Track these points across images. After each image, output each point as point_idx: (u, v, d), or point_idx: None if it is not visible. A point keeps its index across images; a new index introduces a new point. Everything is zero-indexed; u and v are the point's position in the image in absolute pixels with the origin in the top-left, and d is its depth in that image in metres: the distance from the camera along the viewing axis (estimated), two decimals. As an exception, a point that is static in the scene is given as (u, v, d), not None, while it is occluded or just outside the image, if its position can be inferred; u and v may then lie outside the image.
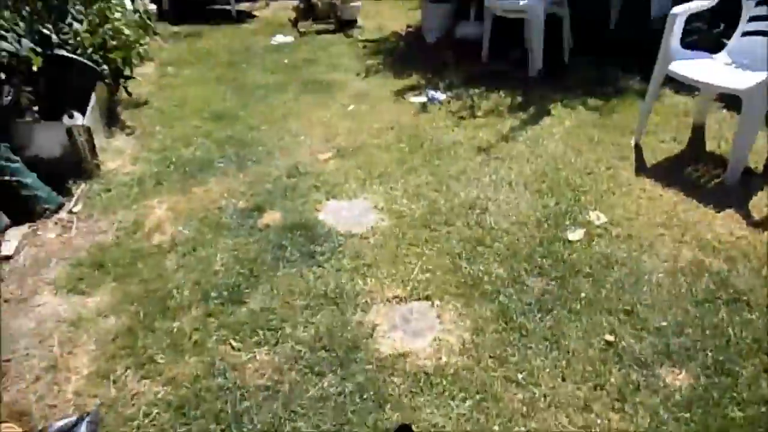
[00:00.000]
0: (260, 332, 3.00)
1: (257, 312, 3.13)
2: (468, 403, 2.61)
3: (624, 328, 3.07)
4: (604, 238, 3.90)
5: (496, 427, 2.51)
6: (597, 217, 4.15)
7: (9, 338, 2.95)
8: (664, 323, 3.09)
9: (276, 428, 2.47)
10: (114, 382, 2.68)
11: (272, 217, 4.09)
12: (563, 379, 2.77)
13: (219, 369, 2.76)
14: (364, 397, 2.62)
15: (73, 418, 2.23)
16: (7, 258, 3.45)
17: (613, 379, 2.77)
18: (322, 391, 2.67)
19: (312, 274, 3.47)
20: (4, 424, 2.33)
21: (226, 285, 3.31)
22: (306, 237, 3.82)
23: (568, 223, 4.06)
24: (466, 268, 3.57)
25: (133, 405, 2.56)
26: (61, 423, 2.21)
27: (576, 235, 3.94)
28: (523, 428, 2.52)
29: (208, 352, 2.86)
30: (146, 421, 2.49)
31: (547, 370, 2.82)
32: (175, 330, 2.98)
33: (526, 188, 4.55)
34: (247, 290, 3.32)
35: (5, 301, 3.16)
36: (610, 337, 3.00)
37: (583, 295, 3.32)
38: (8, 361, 2.81)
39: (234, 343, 2.93)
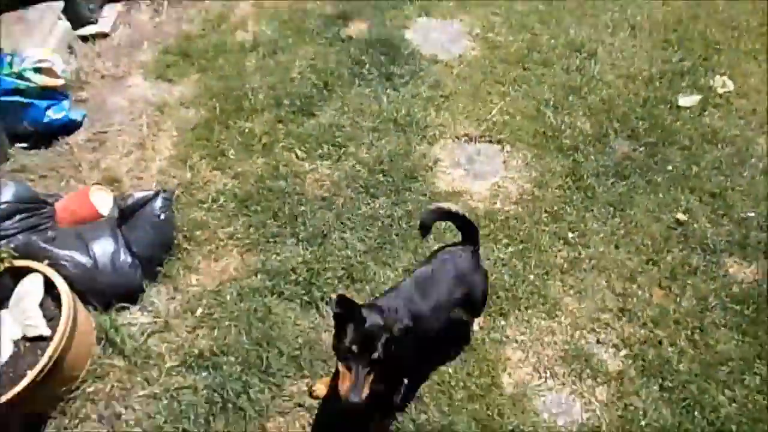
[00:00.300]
0: (325, 146, 3.07)
1: (325, 126, 3.17)
2: (510, 249, 2.63)
3: (703, 210, 2.82)
4: (721, 109, 3.40)
5: (531, 276, 2.54)
6: (722, 84, 3.57)
7: (106, 113, 3.23)
8: (752, 214, 2.80)
9: (325, 234, 2.66)
10: (190, 167, 2.93)
11: (357, 27, 3.89)
12: (616, 247, 2.68)
13: (282, 173, 2.91)
14: (411, 224, 2.70)
15: (152, 192, 2.50)
16: (105, 35, 3.62)
17: (669, 258, 2.64)
18: (373, 211, 2.77)
19: (386, 97, 3.38)
20: (95, 185, 2.67)
21: (300, 94, 3.33)
22: (387, 56, 3.64)
23: (684, 85, 3.55)
24: (549, 117, 3.31)
25: (205, 190, 2.83)
26: (141, 194, 2.50)
27: (689, 101, 3.45)
28: (559, 282, 2.54)
29: (275, 156, 3.00)
30: (214, 206, 2.76)
31: (602, 235, 2.72)
32: (247, 130, 3.12)
33: (650, 36, 3.93)
34: (319, 103, 3.32)
35: (102, 77, 3.40)
36: (683, 217, 2.79)
37: (670, 167, 3.03)
38: (105, 133, 3.12)
39: (299, 153, 3.04)
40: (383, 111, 3.29)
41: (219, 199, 2.78)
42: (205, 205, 2.76)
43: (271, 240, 2.63)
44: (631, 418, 2.14)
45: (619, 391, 2.21)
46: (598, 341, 2.37)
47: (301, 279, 2.47)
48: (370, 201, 2.82)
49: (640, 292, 2.52)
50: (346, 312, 1.69)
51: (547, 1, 4.19)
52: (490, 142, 3.18)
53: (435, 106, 3.36)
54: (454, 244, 2.16)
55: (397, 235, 2.67)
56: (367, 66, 3.57)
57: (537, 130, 3.23)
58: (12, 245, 2.19)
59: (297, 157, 3.02)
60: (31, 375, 1.90)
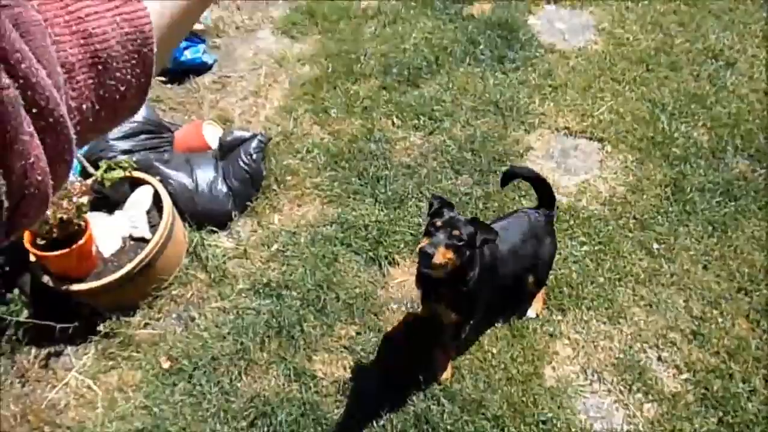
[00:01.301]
0: (422, 118, 3.15)
1: (426, 99, 3.24)
2: (585, 248, 2.55)
3: (821, 248, 2.52)
4: None
5: (601, 279, 2.45)
6: None
7: (233, 60, 3.56)
8: None
9: (402, 199, 2.75)
10: (294, 119, 3.16)
11: (481, 8, 3.88)
12: (705, 268, 2.49)
13: (375, 137, 3.04)
14: (487, 205, 2.71)
15: (249, 133, 2.75)
16: (246, -11, 3.96)
17: (767, 292, 2.41)
18: (454, 186, 2.82)
19: (493, 79, 3.36)
20: (208, 120, 2.99)
21: (409, 65, 3.41)
22: (504, 39, 3.60)
23: (835, 109, 3.14)
24: (663, 122, 3.10)
25: (302, 141, 3.04)
26: (240, 133, 2.76)
27: (835, 127, 3.05)
28: (630, 291, 2.42)
29: (372, 120, 3.13)
30: (308, 156, 2.97)
31: (692, 253, 2.54)
32: (351, 92, 3.28)
33: (807, 51, 3.51)
34: (425, 76, 3.39)
35: (236, 28, 3.73)
36: (793, 250, 2.51)
37: (791, 195, 2.72)
38: (228, 77, 3.45)
39: (395, 120, 3.14)
40: (486, 92, 3.29)
41: (313, 151, 2.98)
42: (300, 155, 2.97)
43: (351, 196, 2.78)
44: (676, 442, 2.02)
45: (670, 413, 2.09)
46: (659, 358, 2.24)
47: (370, 236, 2.60)
48: (452, 176, 2.87)
49: (720, 320, 2.33)
50: (442, 203, 1.83)
51: (692, 3, 3.87)
52: (591, 139, 3.06)
53: (541, 94, 3.28)
54: (530, 209, 2.23)
55: (471, 213, 2.69)
56: (481, 47, 3.56)
57: (645, 134, 3.05)
58: (134, 159, 2.54)
59: (393, 124, 3.13)
60: (129, 266, 2.22)
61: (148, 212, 2.46)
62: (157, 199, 2.47)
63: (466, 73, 3.41)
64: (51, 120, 0.35)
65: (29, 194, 0.35)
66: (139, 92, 0.42)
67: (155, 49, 0.41)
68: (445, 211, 1.80)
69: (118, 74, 0.39)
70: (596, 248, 2.55)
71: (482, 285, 1.91)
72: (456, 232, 1.71)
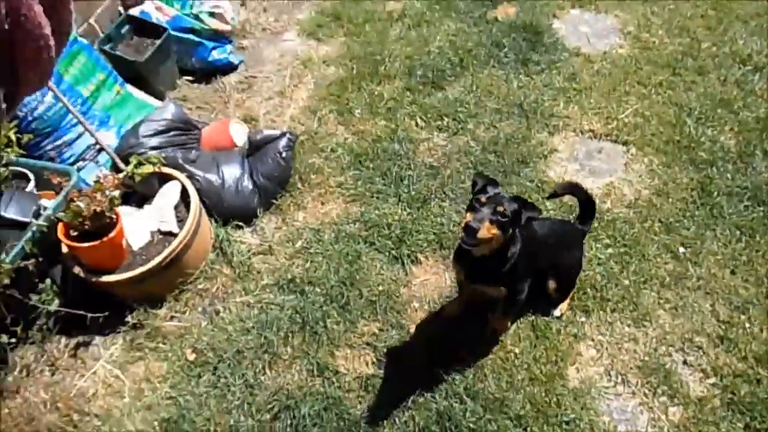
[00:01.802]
0: (445, 119, 3.16)
1: (450, 101, 3.25)
2: (610, 250, 2.53)
3: None
4: None
5: (626, 281, 2.43)
6: None
7: (259, 60, 3.62)
8: None
9: (425, 199, 2.77)
10: (319, 119, 3.20)
11: (505, 11, 3.88)
12: (732, 272, 2.46)
13: (399, 137, 3.06)
14: (511, 206, 2.70)
15: (279, 132, 2.79)
16: (273, -8, 4.02)
17: (796, 298, 2.36)
18: (477, 187, 2.82)
19: (517, 82, 3.37)
20: (234, 119, 3.03)
21: (434, 67, 3.43)
22: (529, 42, 3.60)
23: None
24: (690, 126, 3.08)
25: (326, 141, 3.07)
26: (270, 132, 2.80)
27: None
28: (655, 294, 2.40)
29: (396, 121, 3.15)
30: (332, 155, 3.00)
31: (719, 257, 2.51)
32: (376, 93, 3.30)
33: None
34: (450, 78, 3.41)
35: (263, 29, 3.79)
36: (824, 256, 2.47)
37: (823, 201, 2.68)
38: (254, 78, 3.50)
39: (419, 121, 3.16)
40: (511, 94, 3.29)
41: (337, 151, 3.01)
42: (324, 154, 3.01)
43: (375, 195, 2.80)
44: (702, 447, 2.00)
45: (696, 417, 2.06)
46: (684, 362, 2.21)
47: (393, 235, 2.61)
48: (476, 177, 2.87)
49: (748, 325, 2.30)
50: (487, 181, 1.85)
51: (719, 8, 3.83)
52: (616, 142, 3.05)
53: (566, 97, 3.28)
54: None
55: (495, 213, 2.69)
56: (506, 49, 3.57)
57: (671, 137, 3.02)
58: (163, 155, 2.59)
59: (416, 124, 3.15)
60: (157, 259, 2.27)
61: (175, 207, 2.50)
62: (184, 195, 2.52)
63: (490, 75, 3.42)
64: None
65: (20, 30, 0.34)
66: None
67: None
68: (490, 188, 1.82)
69: None
70: (621, 250, 2.53)
71: (521, 264, 1.93)
72: (501, 208, 1.71)
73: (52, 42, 0.37)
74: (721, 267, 2.48)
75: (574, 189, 2.27)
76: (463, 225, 1.72)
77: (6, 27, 0.34)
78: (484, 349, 2.25)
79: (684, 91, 3.29)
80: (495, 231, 1.72)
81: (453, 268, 2.26)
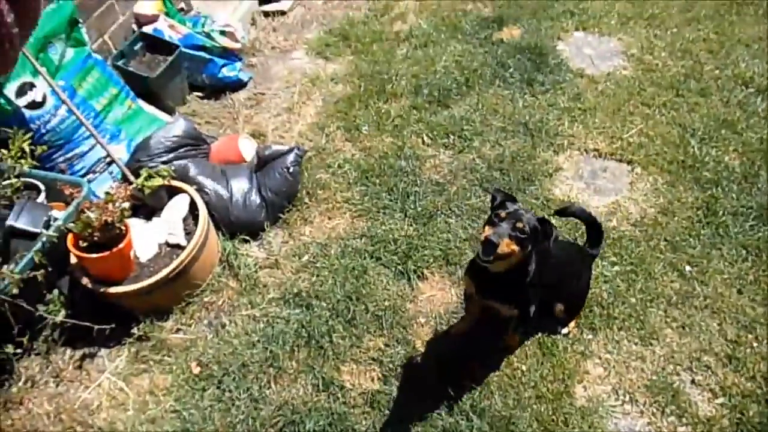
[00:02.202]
0: (451, 137, 3.19)
1: (456, 119, 3.29)
2: (616, 268, 2.54)
3: None
4: None
5: (633, 299, 2.43)
6: None
7: (268, 78, 3.67)
8: None
9: (431, 215, 2.78)
10: (326, 135, 3.23)
11: (510, 33, 3.95)
12: (739, 292, 2.46)
13: (405, 154, 3.09)
14: (517, 223, 2.72)
15: (287, 147, 2.82)
16: (283, 13, 4.10)
17: (803, 318, 2.36)
18: (482, 203, 2.83)
19: (522, 101, 3.41)
20: (243, 135, 3.07)
21: (440, 86, 3.48)
22: (533, 63, 3.66)
23: None
24: (694, 146, 3.10)
25: (333, 157, 3.10)
26: (278, 147, 2.83)
27: None
28: (662, 312, 2.40)
29: (402, 138, 3.19)
30: (339, 171, 3.02)
31: (725, 276, 2.51)
32: (383, 111, 3.34)
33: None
34: (455, 97, 3.45)
35: (272, 48, 3.86)
36: (830, 276, 2.47)
37: (828, 222, 2.68)
38: (263, 94, 3.54)
39: (426, 138, 3.19)
40: (516, 113, 3.33)
41: (344, 167, 3.04)
42: (331, 170, 3.03)
43: (381, 210, 2.82)
44: (711, 468, 1.97)
45: (705, 437, 2.04)
46: (692, 381, 2.20)
47: (400, 250, 2.62)
48: (481, 194, 2.89)
49: (756, 344, 2.29)
50: (505, 197, 1.85)
51: (721, 32, 3.90)
52: (620, 161, 3.07)
53: (570, 117, 3.31)
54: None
55: (501, 230, 2.70)
56: (511, 70, 3.62)
57: (675, 157, 3.05)
58: (173, 168, 2.62)
59: (423, 142, 3.18)
60: (164, 272, 2.27)
61: (184, 220, 2.52)
62: (193, 208, 2.54)
63: (496, 94, 3.46)
64: None
65: None
66: None
67: None
68: (509, 204, 1.80)
69: None
70: (627, 268, 2.53)
71: (536, 283, 1.91)
72: (520, 225, 1.70)
73: (15, 30, 0.37)
74: (728, 286, 2.48)
75: (580, 214, 2.28)
76: (482, 239, 1.70)
77: None
78: (490, 365, 2.24)
79: (687, 112, 3.33)
80: (514, 247, 1.70)
81: (464, 283, 2.23)
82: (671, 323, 2.37)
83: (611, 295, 2.44)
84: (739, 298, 2.43)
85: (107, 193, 2.23)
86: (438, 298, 2.49)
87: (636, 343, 2.30)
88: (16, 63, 0.39)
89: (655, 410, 2.12)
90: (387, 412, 2.14)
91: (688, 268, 2.54)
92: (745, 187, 2.89)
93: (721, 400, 2.14)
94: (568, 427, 2.06)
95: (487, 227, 1.74)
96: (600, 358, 2.27)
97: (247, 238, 2.69)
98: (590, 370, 2.24)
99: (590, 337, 2.32)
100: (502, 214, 1.73)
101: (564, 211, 2.32)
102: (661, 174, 2.98)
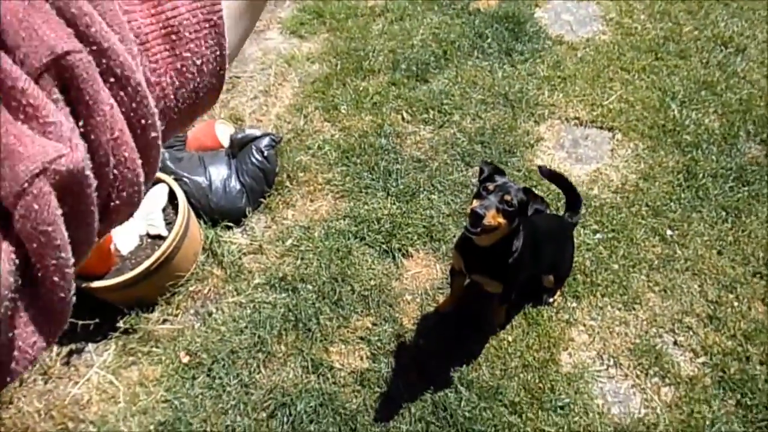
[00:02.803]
0: (431, 112, 3.17)
1: (435, 93, 3.26)
2: (598, 236, 2.56)
3: (837, 229, 2.50)
4: None
5: (615, 266, 2.45)
6: None
7: (243, 60, 3.60)
8: None
9: (414, 192, 2.77)
10: (304, 116, 3.19)
11: (487, 2, 3.89)
12: (719, 253, 2.49)
13: (385, 132, 3.06)
14: (499, 196, 2.72)
15: (258, 132, 2.79)
16: (254, -8, 4.00)
17: (783, 275, 2.40)
18: (465, 178, 2.83)
19: (501, 72, 3.37)
20: (220, 119, 3.03)
21: (417, 60, 3.43)
22: (511, 32, 3.61)
23: None
24: (674, 110, 3.10)
25: (313, 138, 3.07)
26: (251, 131, 2.80)
27: None
28: (644, 277, 2.43)
29: (382, 115, 3.15)
30: (319, 153, 2.99)
31: (706, 238, 2.53)
32: (361, 88, 3.30)
33: (817, 35, 3.49)
34: (434, 70, 3.41)
35: (245, 28, 3.78)
36: (808, 233, 2.50)
37: (806, 179, 2.71)
38: (238, 78, 3.48)
39: (405, 115, 3.17)
40: (495, 85, 3.30)
41: (324, 148, 3.01)
42: (311, 151, 3.00)
43: (363, 190, 2.81)
44: (695, 425, 2.02)
45: (688, 396, 2.09)
46: (675, 342, 2.24)
47: (383, 229, 2.62)
48: (463, 168, 2.88)
49: (736, 303, 2.33)
50: (494, 169, 1.80)
51: (700, -10, 3.86)
52: (601, 128, 3.06)
53: (550, 86, 3.29)
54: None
55: (483, 203, 2.70)
56: (489, 40, 3.57)
57: (656, 121, 3.05)
58: (149, 158, 2.58)
59: (403, 119, 3.15)
60: (146, 263, 2.26)
61: (163, 210, 2.49)
62: (172, 197, 2.51)
63: (475, 66, 3.43)
64: (129, 89, 0.32)
65: (120, 175, 0.32)
66: (216, 69, 0.39)
67: (224, 20, 0.38)
68: (497, 177, 1.77)
69: (192, 45, 0.37)
70: (609, 236, 2.55)
71: (523, 258, 1.90)
72: (508, 197, 1.67)
73: (143, 187, 0.36)
74: (708, 248, 2.50)
75: (556, 178, 2.23)
76: (468, 211, 1.68)
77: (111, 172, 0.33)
78: (477, 338, 2.27)
79: (667, 75, 3.31)
80: (501, 220, 1.68)
81: (452, 257, 2.21)
82: (653, 287, 2.40)
83: (594, 262, 2.47)
84: (719, 259, 2.46)
85: (82, 188, 2.19)
86: (423, 275, 2.50)
87: (619, 309, 2.34)
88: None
89: (639, 372, 2.16)
90: (377, 389, 2.17)
91: (669, 232, 2.57)
92: (724, 148, 2.90)
93: (702, 359, 2.19)
94: (555, 393, 2.10)
95: (474, 200, 1.72)
96: (584, 325, 2.30)
97: (230, 224, 2.67)
98: (575, 337, 2.27)
99: (574, 305, 2.35)
100: (490, 186, 1.71)
101: (543, 174, 2.25)
102: (642, 139, 2.98)
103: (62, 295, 0.32)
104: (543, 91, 3.26)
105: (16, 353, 0.30)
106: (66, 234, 0.30)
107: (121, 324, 2.33)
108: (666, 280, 2.41)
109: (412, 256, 2.56)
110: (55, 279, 0.31)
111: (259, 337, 2.30)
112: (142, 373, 2.26)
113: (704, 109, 3.11)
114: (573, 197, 2.23)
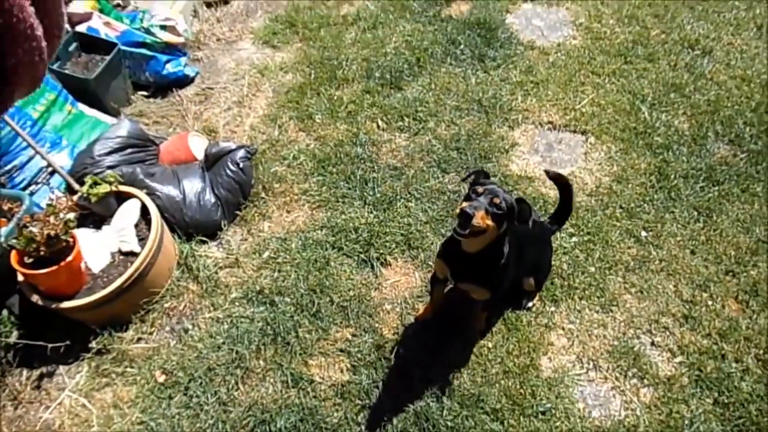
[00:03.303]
0: (406, 119, 3.16)
1: (410, 101, 3.26)
2: (574, 239, 2.57)
3: (804, 226, 2.56)
4: None
5: (592, 268, 2.47)
6: None
7: (215, 71, 3.56)
8: None
9: (391, 201, 2.76)
10: (279, 126, 3.16)
11: (459, 9, 3.92)
12: (692, 253, 2.52)
13: (361, 140, 3.05)
14: (476, 202, 2.72)
15: (233, 145, 2.75)
16: (226, 2, 3.97)
17: (754, 272, 2.44)
18: (441, 185, 2.83)
19: (474, 78, 3.40)
20: (193, 132, 2.98)
21: (391, 68, 3.43)
22: (483, 38, 3.64)
23: (810, 91, 3.20)
24: (644, 112, 3.15)
25: (288, 148, 3.04)
26: (226, 144, 2.76)
27: (811, 108, 3.12)
28: (621, 279, 2.45)
29: (357, 124, 3.14)
30: (294, 163, 2.97)
31: (679, 238, 2.57)
32: (335, 97, 3.29)
33: (781, 37, 3.58)
34: (408, 78, 3.41)
35: (217, 39, 3.74)
36: (777, 230, 2.56)
37: (773, 177, 2.77)
38: (211, 89, 3.44)
39: (380, 123, 3.16)
40: (469, 91, 3.32)
41: (299, 158, 2.98)
42: (286, 162, 2.98)
43: (340, 200, 2.79)
44: (674, 425, 2.04)
45: (666, 396, 2.11)
46: (652, 343, 2.26)
47: (361, 238, 2.60)
48: (440, 175, 2.88)
49: (710, 302, 2.36)
50: (482, 174, 1.81)
51: (666, -5, 3.95)
52: (574, 132, 3.10)
53: (523, 91, 3.32)
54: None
55: (460, 210, 2.70)
56: (462, 46, 3.59)
57: (627, 124, 3.09)
58: (120, 173, 2.53)
59: (378, 127, 3.14)
60: (119, 281, 2.20)
61: (136, 226, 2.44)
62: (144, 213, 2.46)
63: (448, 73, 3.44)
64: None
65: (7, 25, 0.32)
66: None
67: None
68: (486, 181, 1.78)
69: None
70: (585, 239, 2.57)
71: (509, 261, 1.88)
72: (497, 200, 1.67)
73: (44, 44, 0.36)
74: (682, 248, 2.54)
75: (561, 180, 2.15)
76: (457, 211, 1.66)
77: None
78: (457, 346, 2.26)
79: (637, 78, 3.37)
80: (489, 222, 1.66)
81: (436, 266, 2.12)
82: (630, 288, 2.42)
83: (571, 266, 2.48)
84: (693, 259, 2.50)
85: (48, 205, 2.13)
86: (402, 284, 2.49)
87: (597, 311, 2.35)
88: (44, 78, 0.37)
89: (618, 374, 2.18)
90: (358, 401, 2.14)
91: (643, 233, 2.60)
92: (694, 149, 2.95)
93: (679, 359, 2.21)
94: (536, 398, 2.10)
95: (464, 202, 1.70)
96: (563, 329, 2.31)
97: (205, 239, 2.63)
98: (554, 341, 2.28)
99: (553, 309, 2.36)
100: (480, 189, 1.70)
101: (548, 174, 2.20)
102: (615, 142, 3.02)
103: None
104: (516, 96, 3.29)
105: None
106: None
107: (93, 344, 2.27)
108: (642, 281, 2.44)
109: (390, 265, 2.55)
110: None
111: (236, 352, 2.26)
112: (117, 394, 2.20)
113: (674, 111, 3.17)
114: (565, 210, 2.19)
